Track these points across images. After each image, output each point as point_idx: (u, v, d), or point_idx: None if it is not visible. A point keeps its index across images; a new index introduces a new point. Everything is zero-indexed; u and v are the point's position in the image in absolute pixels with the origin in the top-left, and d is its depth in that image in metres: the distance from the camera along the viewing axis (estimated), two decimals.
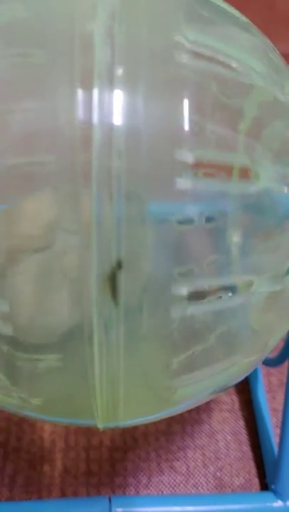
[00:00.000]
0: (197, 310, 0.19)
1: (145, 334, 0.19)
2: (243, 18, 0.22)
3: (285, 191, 0.20)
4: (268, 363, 0.34)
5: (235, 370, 0.23)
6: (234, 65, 0.19)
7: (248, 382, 0.38)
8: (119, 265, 0.18)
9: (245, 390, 0.38)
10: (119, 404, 0.20)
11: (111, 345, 0.19)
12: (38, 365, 0.20)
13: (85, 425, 0.22)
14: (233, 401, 0.37)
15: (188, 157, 0.18)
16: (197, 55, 0.19)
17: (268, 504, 0.31)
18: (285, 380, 0.31)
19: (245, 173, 0.19)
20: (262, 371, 0.38)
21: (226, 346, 0.21)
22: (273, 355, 0.33)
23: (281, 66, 0.22)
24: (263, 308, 0.21)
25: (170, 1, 0.20)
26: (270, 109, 0.20)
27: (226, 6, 0.22)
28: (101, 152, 0.17)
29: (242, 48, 0.20)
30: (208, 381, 0.22)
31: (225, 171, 0.19)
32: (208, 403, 0.36)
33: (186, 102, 0.18)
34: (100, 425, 0.22)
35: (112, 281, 0.18)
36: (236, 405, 0.37)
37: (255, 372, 0.37)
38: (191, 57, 0.18)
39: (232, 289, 0.20)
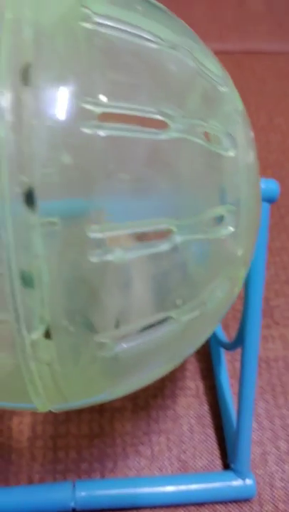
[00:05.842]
0: (124, 348, 0.20)
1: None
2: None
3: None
4: (226, 346, 0.35)
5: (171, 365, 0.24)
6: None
7: (213, 368, 0.39)
8: None
9: (209, 375, 0.38)
10: (60, 386, 0.21)
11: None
12: None
13: (26, 409, 0.23)
14: (197, 387, 0.38)
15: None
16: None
17: (228, 483, 0.32)
18: None
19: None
20: (226, 357, 0.39)
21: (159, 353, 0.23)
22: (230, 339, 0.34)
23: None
24: (185, 330, 0.22)
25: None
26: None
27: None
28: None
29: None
30: (143, 379, 0.24)
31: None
32: (173, 390, 0.37)
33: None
34: (43, 408, 0.22)
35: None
36: (201, 390, 0.38)
37: (219, 358, 0.38)
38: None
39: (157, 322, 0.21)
